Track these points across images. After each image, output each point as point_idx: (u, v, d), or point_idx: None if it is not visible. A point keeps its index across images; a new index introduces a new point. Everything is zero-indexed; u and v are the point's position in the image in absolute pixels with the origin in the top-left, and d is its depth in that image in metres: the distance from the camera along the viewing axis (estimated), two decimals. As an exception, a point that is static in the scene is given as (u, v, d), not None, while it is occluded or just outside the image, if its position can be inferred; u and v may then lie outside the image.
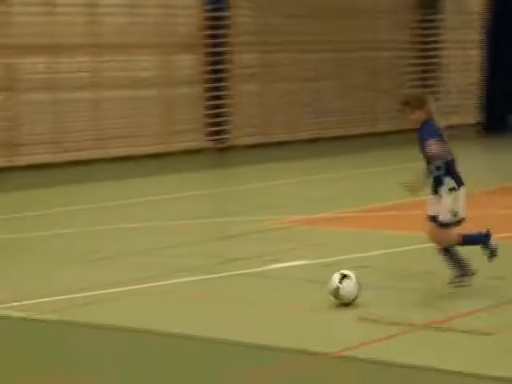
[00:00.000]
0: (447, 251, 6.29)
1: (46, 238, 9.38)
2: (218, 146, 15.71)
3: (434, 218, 6.21)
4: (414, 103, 6.20)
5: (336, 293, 5.79)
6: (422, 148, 6.02)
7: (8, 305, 6.61)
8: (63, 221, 10.30)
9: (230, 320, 5.87)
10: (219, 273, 7.24)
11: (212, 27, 15.80)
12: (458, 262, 6.31)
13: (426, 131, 6.02)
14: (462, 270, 6.28)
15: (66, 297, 6.92)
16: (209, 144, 15.72)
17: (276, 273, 7.41)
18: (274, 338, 5.27)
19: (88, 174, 14.10)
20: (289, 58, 17.15)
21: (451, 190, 6.05)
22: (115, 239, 9.30)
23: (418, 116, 6.14)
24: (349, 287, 5.73)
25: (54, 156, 14.14)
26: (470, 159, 12.49)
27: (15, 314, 6.40)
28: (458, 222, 6.23)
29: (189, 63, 15.76)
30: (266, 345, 5.13)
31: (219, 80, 16.07)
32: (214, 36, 15.87)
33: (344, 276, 5.76)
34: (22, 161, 13.94)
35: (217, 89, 16.09)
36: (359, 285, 5.76)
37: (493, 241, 6.29)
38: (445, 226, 6.22)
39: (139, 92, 15.49)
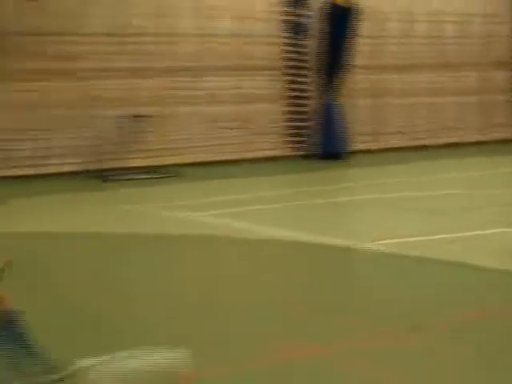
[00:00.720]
0: None
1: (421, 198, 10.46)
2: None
3: None
4: None
5: None
6: None
7: (379, 242, 7.57)
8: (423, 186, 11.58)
9: None
10: None
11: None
12: None
13: None
14: None
15: (424, 238, 7.83)
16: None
17: None
18: None
19: (426, 155, 15.75)
20: None
21: None
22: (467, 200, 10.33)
23: None
24: None
25: (405, 142, 16.74)
26: None
27: (384, 249, 7.28)
28: None
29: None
30: None
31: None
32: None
33: None
34: (382, 145, 16.53)
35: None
36: None
37: None
38: None
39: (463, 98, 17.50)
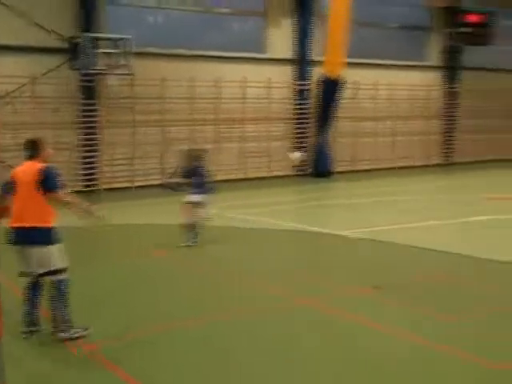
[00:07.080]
0: None
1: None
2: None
3: None
4: None
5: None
6: None
7: (358, 230, 9.31)
8: None
9: None
10: None
11: None
12: None
13: None
14: None
15: (387, 227, 9.77)
16: None
17: None
18: None
19: (387, 174, 20.66)
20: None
21: None
22: None
23: None
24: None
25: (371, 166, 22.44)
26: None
27: (360, 235, 8.67)
28: None
29: None
30: None
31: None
32: None
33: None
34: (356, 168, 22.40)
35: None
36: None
37: None
38: None
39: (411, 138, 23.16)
